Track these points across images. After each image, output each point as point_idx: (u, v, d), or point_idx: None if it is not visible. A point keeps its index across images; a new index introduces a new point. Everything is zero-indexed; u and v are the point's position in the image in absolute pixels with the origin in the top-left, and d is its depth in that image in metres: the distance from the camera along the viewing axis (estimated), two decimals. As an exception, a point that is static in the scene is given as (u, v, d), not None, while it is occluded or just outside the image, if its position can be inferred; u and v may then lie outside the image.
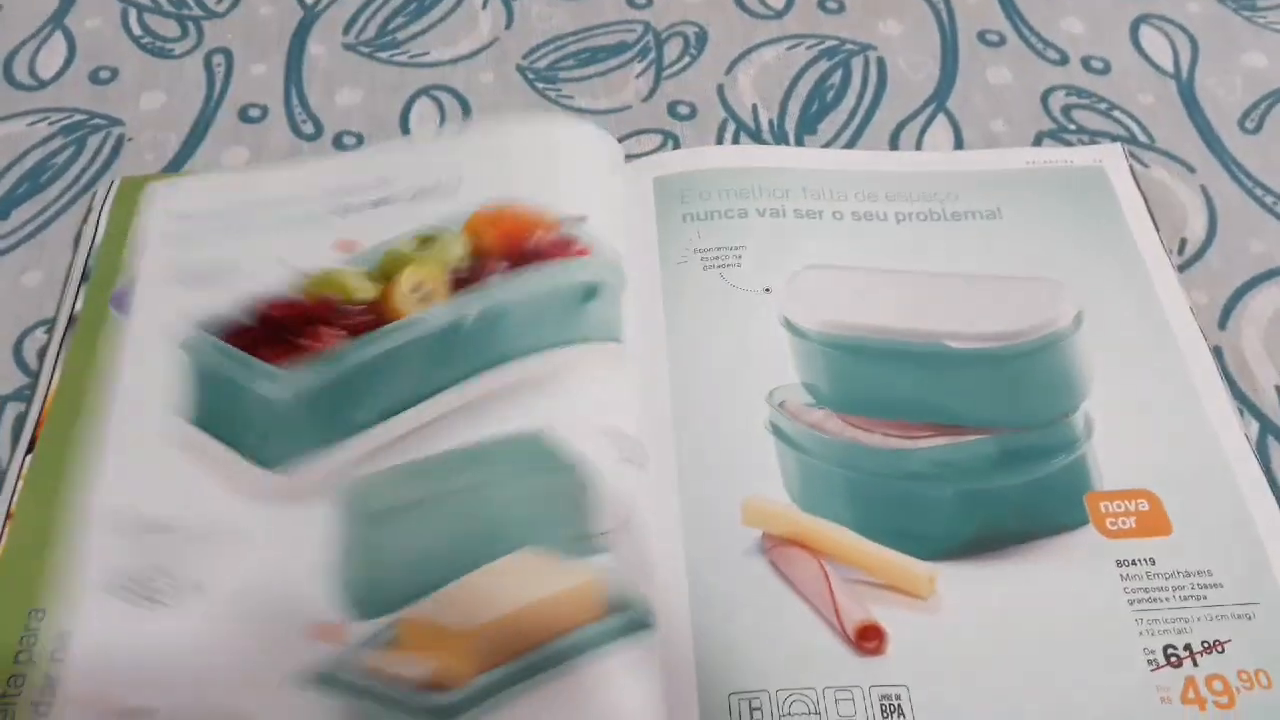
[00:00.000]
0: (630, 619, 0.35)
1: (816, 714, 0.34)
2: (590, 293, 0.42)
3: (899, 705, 0.34)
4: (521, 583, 0.36)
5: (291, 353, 0.40)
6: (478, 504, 0.38)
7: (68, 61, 0.53)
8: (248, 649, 0.35)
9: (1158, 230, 0.46)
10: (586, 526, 0.37)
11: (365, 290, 0.42)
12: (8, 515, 0.38)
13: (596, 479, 0.38)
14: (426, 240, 0.43)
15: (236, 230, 0.45)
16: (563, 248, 0.43)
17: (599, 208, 0.45)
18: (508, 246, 0.43)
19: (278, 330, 0.41)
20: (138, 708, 0.34)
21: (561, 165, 0.46)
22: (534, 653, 0.34)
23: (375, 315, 0.41)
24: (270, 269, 0.43)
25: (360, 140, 0.50)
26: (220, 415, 0.41)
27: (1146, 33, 0.56)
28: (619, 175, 0.47)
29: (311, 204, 0.46)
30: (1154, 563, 0.37)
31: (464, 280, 0.42)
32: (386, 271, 0.42)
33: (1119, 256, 0.45)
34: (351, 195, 0.46)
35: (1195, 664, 0.34)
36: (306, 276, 0.43)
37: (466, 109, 0.51)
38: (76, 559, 0.37)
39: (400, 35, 0.55)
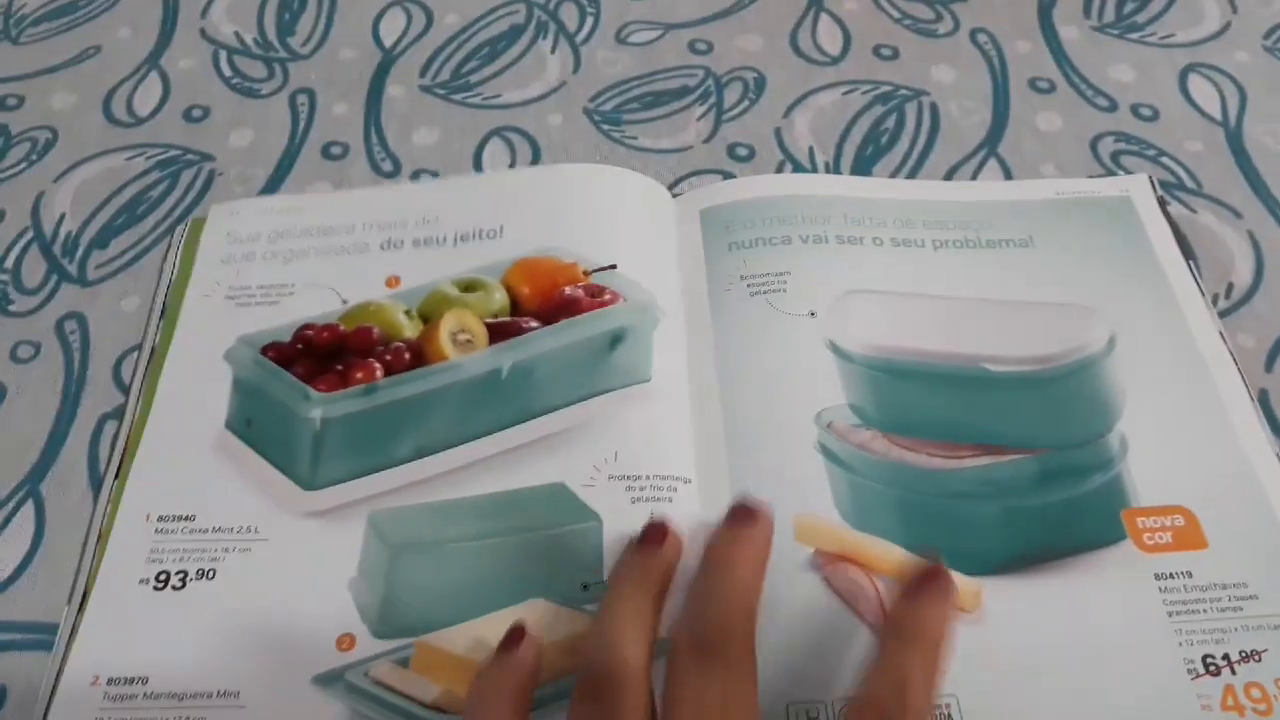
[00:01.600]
0: None
1: (871, 721, 0.39)
2: (618, 339, 0.49)
3: (949, 714, 0.39)
4: (533, 627, 0.40)
5: (329, 378, 0.46)
6: (499, 551, 0.44)
7: (163, 100, 0.62)
8: (251, 639, 0.41)
9: (1186, 259, 0.51)
10: (595, 575, 0.43)
11: (406, 327, 0.48)
12: (99, 536, 0.44)
13: (604, 529, 0.43)
14: (468, 286, 0.50)
15: (289, 255, 0.53)
16: (593, 298, 0.49)
17: (631, 254, 0.51)
18: (541, 299, 0.50)
19: (317, 354, 0.48)
20: (129, 676, 0.40)
21: (594, 216, 0.53)
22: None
23: (414, 353, 0.47)
24: (318, 295, 0.51)
25: (436, 178, 0.58)
26: (257, 426, 0.47)
27: (1195, 81, 0.62)
28: (663, 214, 0.54)
29: (360, 235, 0.53)
30: (1191, 576, 0.42)
31: (501, 330, 0.48)
32: (428, 312, 0.49)
33: (1147, 283, 0.51)
34: (397, 230, 0.53)
35: (1233, 673, 0.39)
36: (351, 306, 0.50)
37: (536, 149, 0.59)
38: (109, 546, 0.44)
39: (474, 79, 0.63)
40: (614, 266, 0.50)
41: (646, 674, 0.36)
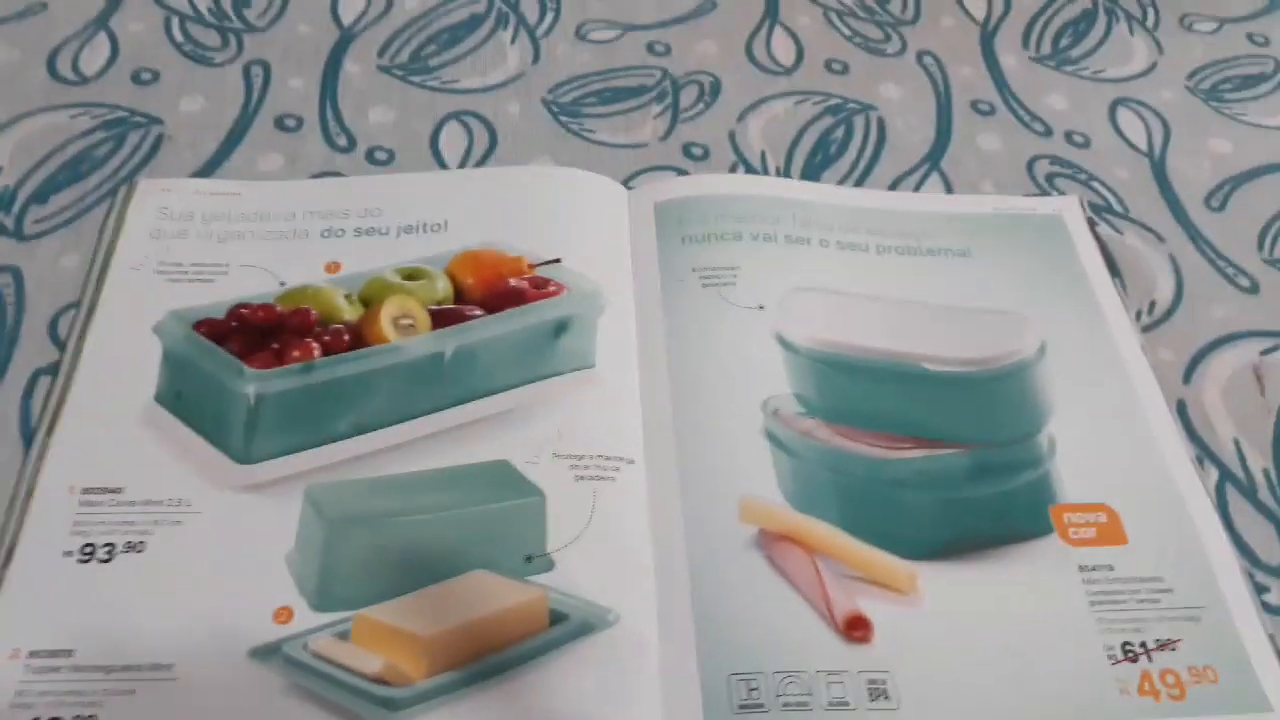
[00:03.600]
0: (576, 626, 0.42)
1: (809, 694, 0.40)
2: (562, 327, 0.50)
3: (884, 689, 0.41)
4: (474, 598, 0.42)
5: (264, 356, 0.46)
6: (440, 524, 0.44)
7: (110, 60, 0.61)
8: (183, 611, 0.41)
9: (1112, 276, 0.55)
10: (537, 547, 0.44)
11: (346, 311, 0.49)
12: (29, 491, 0.43)
13: (547, 504, 0.44)
14: (411, 275, 0.50)
15: (224, 236, 0.52)
16: (538, 290, 0.50)
17: (577, 249, 0.53)
18: (486, 290, 0.50)
19: (252, 332, 0.47)
20: (52, 649, 0.40)
21: (540, 214, 0.54)
22: (481, 661, 0.41)
23: (354, 336, 0.47)
24: (254, 276, 0.51)
25: (391, 156, 0.58)
26: (188, 400, 0.46)
27: (1123, 114, 0.66)
28: (615, 208, 0.55)
29: (300, 222, 0.53)
30: (1112, 569, 0.44)
31: (444, 316, 0.49)
32: (369, 297, 0.49)
33: (1076, 297, 0.54)
34: (339, 220, 0.53)
35: (1150, 660, 0.42)
36: (288, 288, 0.50)
37: (493, 136, 0.60)
38: (28, 516, 0.43)
39: (432, 62, 0.63)
40: (558, 260, 0.52)
41: None
